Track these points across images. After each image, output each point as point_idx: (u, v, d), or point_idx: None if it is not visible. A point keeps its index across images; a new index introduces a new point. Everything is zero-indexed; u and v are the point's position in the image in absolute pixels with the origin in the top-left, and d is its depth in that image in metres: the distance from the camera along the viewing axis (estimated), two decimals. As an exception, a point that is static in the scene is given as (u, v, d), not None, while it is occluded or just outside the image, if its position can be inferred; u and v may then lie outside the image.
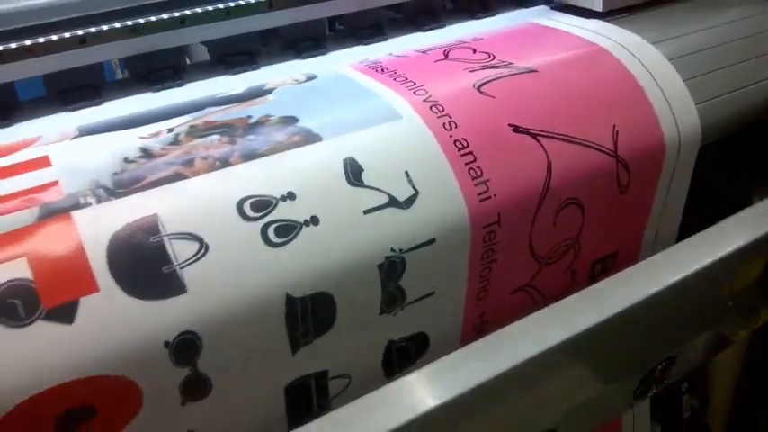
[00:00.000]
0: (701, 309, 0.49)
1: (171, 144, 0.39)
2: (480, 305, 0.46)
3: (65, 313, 0.32)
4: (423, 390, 0.37)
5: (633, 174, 0.48)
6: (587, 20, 0.56)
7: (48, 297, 0.32)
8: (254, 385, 0.38)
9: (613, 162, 0.47)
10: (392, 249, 0.39)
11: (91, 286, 0.33)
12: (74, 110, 0.44)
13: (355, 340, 0.41)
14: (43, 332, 0.31)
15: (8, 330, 0.31)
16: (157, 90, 0.47)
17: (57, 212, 0.34)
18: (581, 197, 0.46)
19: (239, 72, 0.49)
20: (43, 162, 0.38)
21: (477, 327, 0.47)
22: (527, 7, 0.60)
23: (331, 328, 0.39)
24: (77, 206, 0.35)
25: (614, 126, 0.47)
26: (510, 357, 0.38)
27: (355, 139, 0.41)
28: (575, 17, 0.57)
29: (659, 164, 0.50)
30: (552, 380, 0.42)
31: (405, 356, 0.44)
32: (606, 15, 0.56)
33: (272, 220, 0.37)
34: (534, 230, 0.45)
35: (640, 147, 0.48)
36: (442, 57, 0.50)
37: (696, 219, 0.53)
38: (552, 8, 0.60)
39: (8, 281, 0.32)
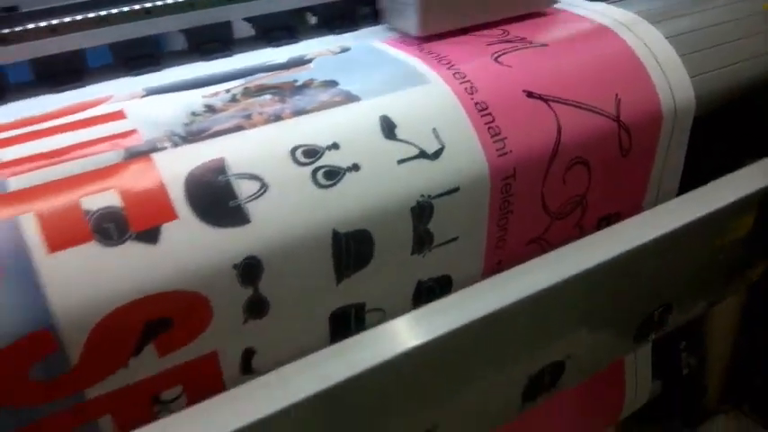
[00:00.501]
0: (694, 260, 0.54)
1: (230, 102, 0.45)
2: (498, 253, 0.52)
3: (150, 236, 0.37)
4: (412, 330, 0.42)
5: (634, 138, 0.54)
6: (594, 2, 0.62)
7: (135, 222, 0.37)
8: (304, 309, 0.43)
9: (615, 126, 0.53)
10: (422, 195, 0.45)
11: (171, 215, 0.38)
12: (138, 75, 0.50)
13: (389, 277, 0.46)
14: (132, 251, 0.37)
15: (103, 249, 0.36)
16: (209, 60, 0.52)
17: (139, 154, 0.40)
18: (587, 157, 0.52)
19: (281, 45, 0.55)
20: (119, 115, 0.44)
21: (495, 273, 0.52)
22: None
23: (369, 263, 0.45)
24: (156, 150, 0.40)
25: (616, 94, 0.53)
26: (504, 297, 0.44)
27: (389, 99, 0.46)
28: (583, 0, 0.62)
29: (657, 130, 0.55)
30: (553, 320, 0.47)
31: (431, 296, 0.50)
32: (610, -1, 0.61)
33: (320, 166, 0.42)
34: (546, 186, 0.51)
35: (639, 113, 0.54)
36: (461, 33, 0.55)
37: (693, 187, 0.58)
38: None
39: (102, 208, 0.37)
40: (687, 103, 0.55)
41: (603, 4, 0.61)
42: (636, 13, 0.59)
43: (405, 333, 0.41)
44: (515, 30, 0.56)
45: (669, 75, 0.55)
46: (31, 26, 0.47)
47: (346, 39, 0.58)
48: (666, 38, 0.57)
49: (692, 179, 0.60)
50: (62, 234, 0.36)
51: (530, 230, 0.53)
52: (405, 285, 0.48)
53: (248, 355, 0.43)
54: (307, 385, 0.38)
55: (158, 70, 0.51)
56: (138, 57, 0.50)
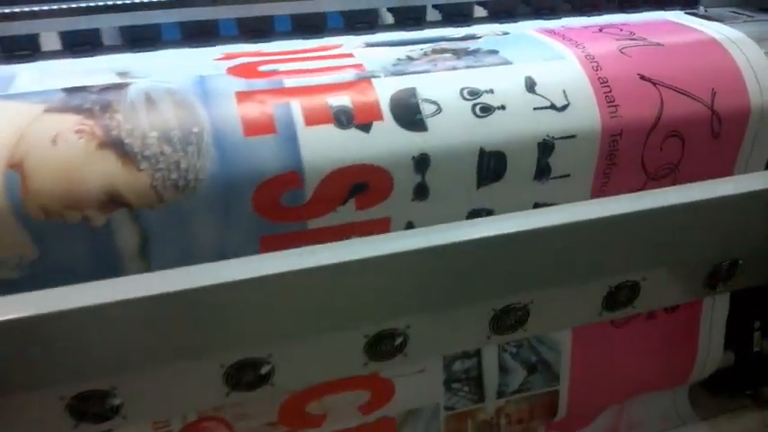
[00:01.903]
0: (756, 225, 0.67)
1: (422, 55, 0.65)
2: (600, 196, 0.68)
3: (365, 128, 0.58)
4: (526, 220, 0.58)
5: (724, 124, 0.68)
6: (712, 22, 0.77)
7: (358, 117, 0.58)
8: (452, 202, 0.62)
9: (709, 112, 0.67)
10: (547, 135, 0.62)
11: (379, 117, 0.58)
12: (355, 35, 0.72)
13: (514, 193, 0.64)
14: (353, 135, 0.58)
15: (337, 130, 0.57)
16: (407, 30, 0.73)
17: (363, 78, 0.61)
18: (682, 132, 0.67)
19: (459, 26, 0.75)
20: (350, 55, 0.65)
21: (595, 211, 0.69)
22: (665, 9, 0.82)
23: (501, 178, 0.63)
24: (374, 76, 0.61)
25: (713, 89, 0.68)
26: (602, 211, 0.59)
27: (534, 66, 0.65)
28: (699, 19, 0.77)
29: (745, 122, 0.69)
30: (634, 241, 0.62)
31: (542, 218, 0.67)
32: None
33: (479, 102, 0.61)
34: (646, 150, 0.67)
35: (731, 106, 0.68)
36: (598, 30, 0.72)
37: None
38: (685, 12, 0.81)
39: (339, 105, 0.58)
40: (774, 103, 0.69)
41: (720, 24, 0.76)
42: (745, 33, 0.73)
43: (516, 220, 0.59)
44: (639, 31, 0.72)
45: (761, 82, 0.69)
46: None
47: (506, 27, 0.76)
48: (765, 52, 0.70)
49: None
50: (315, 116, 0.57)
51: (629, 183, 0.68)
52: (525, 203, 0.65)
53: (409, 226, 0.62)
54: (421, 239, 0.56)
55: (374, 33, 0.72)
56: (359, 22, 0.72)
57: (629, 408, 0.89)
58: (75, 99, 0.55)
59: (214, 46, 0.73)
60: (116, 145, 0.53)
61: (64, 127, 0.52)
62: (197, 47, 0.74)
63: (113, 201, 0.53)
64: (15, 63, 0.68)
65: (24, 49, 0.73)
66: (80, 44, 0.73)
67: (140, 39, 0.74)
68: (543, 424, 0.83)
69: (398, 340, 0.59)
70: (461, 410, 0.76)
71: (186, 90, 0.57)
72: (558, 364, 0.78)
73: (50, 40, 0.76)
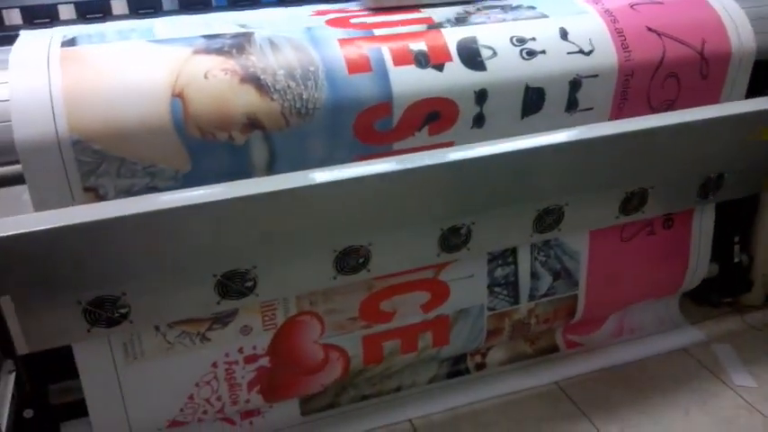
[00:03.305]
0: (734, 144, 0.84)
1: (477, 11, 0.80)
2: (614, 127, 0.84)
3: (439, 67, 0.73)
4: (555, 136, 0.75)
5: (711, 66, 0.85)
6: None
7: (433, 59, 0.73)
8: (501, 130, 0.77)
9: (699, 57, 0.84)
10: (577, 74, 0.78)
11: (449, 59, 0.73)
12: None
13: (549, 124, 0.80)
14: (430, 73, 0.72)
15: (418, 69, 0.72)
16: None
17: (434, 27, 0.76)
18: (679, 73, 0.84)
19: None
20: (417, 11, 0.80)
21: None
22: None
23: (540, 110, 0.78)
24: (442, 26, 0.76)
25: (703, 38, 0.84)
26: (616, 129, 0.76)
27: (565, 18, 0.80)
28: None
29: (727, 64, 0.86)
30: (644, 154, 0.79)
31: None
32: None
33: (525, 48, 0.77)
34: (651, 87, 0.83)
35: (716, 51, 0.85)
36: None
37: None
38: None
39: (417, 49, 0.73)
40: (749, 50, 0.86)
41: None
42: (726, -5, 0.90)
43: (552, 136, 0.75)
44: (645, -8, 0.89)
45: (740, 30, 0.86)
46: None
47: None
48: (742, 8, 0.87)
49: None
50: (400, 58, 0.72)
51: (637, 115, 0.85)
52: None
53: (468, 149, 0.78)
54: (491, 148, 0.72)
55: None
56: None
57: (630, 315, 1.06)
58: (215, 44, 0.69)
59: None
60: (253, 80, 0.67)
61: (212, 65, 0.66)
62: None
63: (252, 124, 0.67)
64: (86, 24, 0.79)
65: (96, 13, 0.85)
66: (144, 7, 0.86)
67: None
68: (563, 325, 1.00)
69: (463, 235, 0.75)
70: (501, 311, 0.91)
71: (300, 38, 0.71)
72: (578, 271, 0.94)
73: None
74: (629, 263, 0.98)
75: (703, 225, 1.00)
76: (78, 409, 0.77)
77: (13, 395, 0.68)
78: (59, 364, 0.73)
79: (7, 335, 0.61)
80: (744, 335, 1.07)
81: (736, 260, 1.05)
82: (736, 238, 1.04)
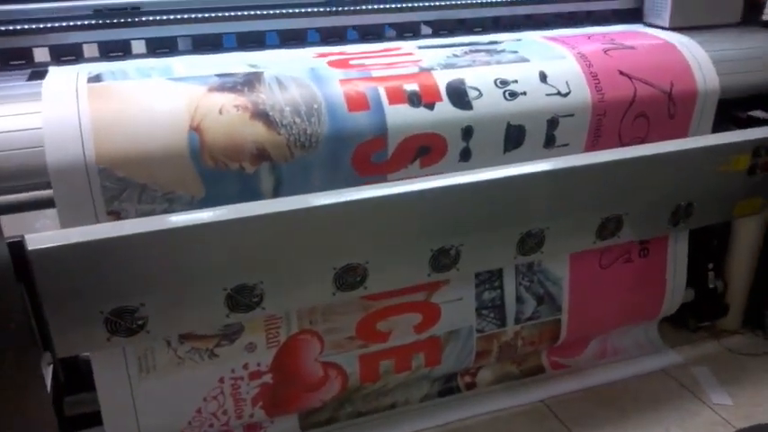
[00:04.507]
0: (705, 174, 0.92)
1: (464, 54, 0.89)
2: (591, 160, 0.92)
3: (430, 106, 0.81)
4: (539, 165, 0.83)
5: (678, 107, 0.93)
6: (665, 31, 1.03)
7: (424, 98, 0.81)
8: (485, 163, 0.85)
9: (667, 98, 0.92)
10: (554, 114, 0.86)
11: (439, 99, 0.81)
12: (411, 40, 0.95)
13: (529, 158, 0.87)
14: (419, 111, 0.80)
15: (410, 108, 0.80)
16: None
17: (423, 70, 0.84)
18: (648, 113, 0.92)
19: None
20: (410, 54, 0.88)
21: (588, 172, 0.93)
22: (629, 23, 1.08)
23: (521, 146, 0.86)
24: (432, 69, 0.84)
25: (671, 81, 0.93)
26: (594, 159, 0.84)
27: (544, 62, 0.89)
28: (658, 29, 1.03)
29: (693, 104, 0.94)
30: (617, 182, 0.86)
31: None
32: (676, 29, 1.02)
33: (507, 89, 0.85)
34: (622, 125, 0.91)
35: (683, 93, 0.93)
36: (587, 37, 0.97)
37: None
38: (645, 24, 1.07)
39: (411, 90, 0.81)
40: (713, 90, 0.94)
41: (675, 33, 1.01)
42: (691, 38, 0.99)
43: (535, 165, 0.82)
44: (618, 38, 0.97)
45: (705, 73, 0.94)
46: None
47: (517, 35, 1.01)
48: (706, 52, 0.96)
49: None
50: (394, 97, 0.80)
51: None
52: (538, 165, 0.89)
53: (457, 180, 0.85)
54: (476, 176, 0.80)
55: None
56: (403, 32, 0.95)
57: (612, 338, 1.12)
58: (228, 82, 0.76)
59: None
60: (262, 116, 0.74)
61: (225, 101, 0.74)
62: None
63: (260, 155, 0.74)
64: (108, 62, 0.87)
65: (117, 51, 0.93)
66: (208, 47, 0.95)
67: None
68: (548, 347, 1.06)
69: (452, 255, 0.81)
70: (489, 333, 0.98)
71: (304, 77, 0.79)
72: (560, 297, 1.00)
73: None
74: (608, 289, 1.04)
75: (678, 252, 1.07)
76: (89, 421, 0.83)
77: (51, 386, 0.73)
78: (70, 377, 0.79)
79: (47, 328, 0.66)
80: (719, 356, 1.13)
81: (711, 286, 1.12)
82: (711, 265, 1.11)
